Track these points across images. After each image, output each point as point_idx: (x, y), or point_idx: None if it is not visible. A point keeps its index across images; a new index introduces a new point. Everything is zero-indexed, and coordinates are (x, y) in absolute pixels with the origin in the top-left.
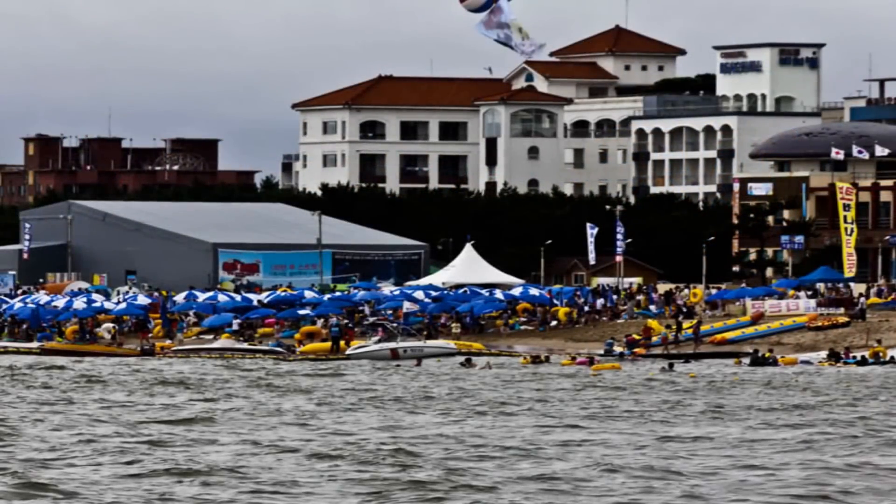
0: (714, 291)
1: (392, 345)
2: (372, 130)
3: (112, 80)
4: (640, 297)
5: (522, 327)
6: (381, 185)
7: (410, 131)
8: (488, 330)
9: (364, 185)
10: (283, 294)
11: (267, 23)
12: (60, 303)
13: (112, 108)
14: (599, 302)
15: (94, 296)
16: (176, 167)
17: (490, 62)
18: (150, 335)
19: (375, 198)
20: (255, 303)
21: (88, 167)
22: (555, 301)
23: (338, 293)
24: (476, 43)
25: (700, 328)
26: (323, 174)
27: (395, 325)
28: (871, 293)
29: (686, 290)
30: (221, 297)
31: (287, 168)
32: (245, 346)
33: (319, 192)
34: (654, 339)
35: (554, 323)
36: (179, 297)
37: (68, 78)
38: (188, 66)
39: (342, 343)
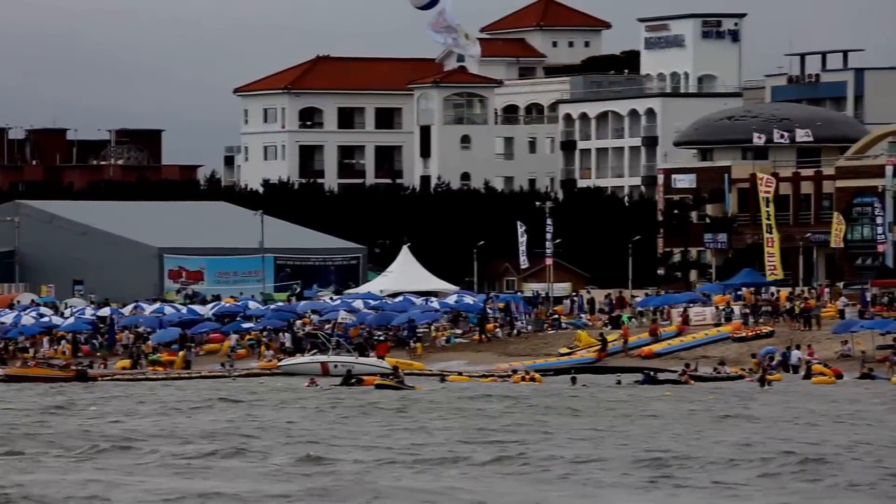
0: (639, 298)
1: (323, 358)
2: (310, 118)
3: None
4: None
5: (458, 340)
6: (319, 180)
7: (347, 118)
8: (424, 343)
9: (303, 180)
10: (227, 306)
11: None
12: (9, 318)
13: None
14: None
15: (43, 309)
16: (121, 161)
17: (427, 43)
18: (97, 353)
19: (314, 195)
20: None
21: (34, 162)
22: (488, 311)
23: (280, 303)
24: (414, 21)
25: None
26: (264, 168)
27: (334, 338)
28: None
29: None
30: (168, 310)
31: (229, 161)
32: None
33: (261, 189)
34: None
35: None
36: (127, 310)
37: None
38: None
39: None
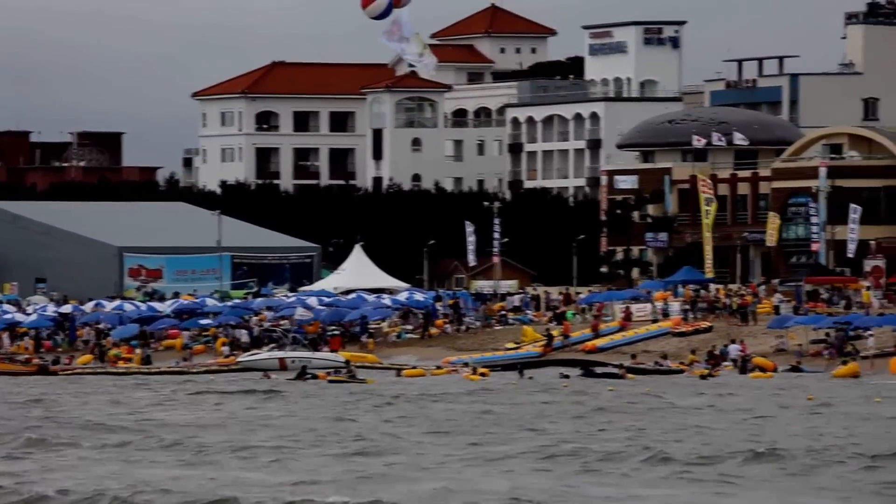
0: (583, 295)
1: (280, 354)
2: (267, 122)
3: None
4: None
5: (408, 336)
6: (275, 181)
7: (302, 122)
8: (377, 339)
9: (260, 181)
10: (186, 302)
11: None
12: None
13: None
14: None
15: (6, 307)
16: (82, 163)
17: (379, 48)
18: (59, 349)
19: (270, 195)
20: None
21: None
22: (437, 307)
23: (236, 300)
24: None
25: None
26: (222, 169)
27: (290, 334)
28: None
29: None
30: (128, 307)
31: (188, 163)
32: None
33: (218, 190)
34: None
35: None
36: (88, 307)
37: None
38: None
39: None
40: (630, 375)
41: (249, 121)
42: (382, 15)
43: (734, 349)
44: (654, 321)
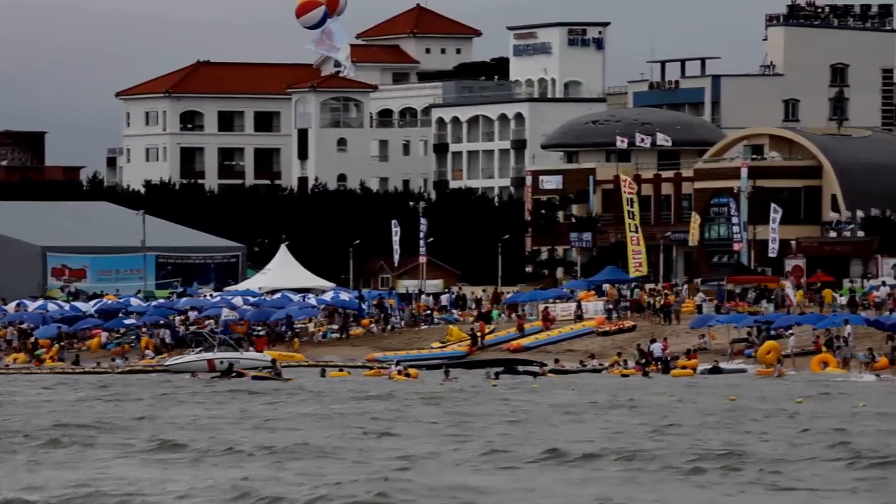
0: (509, 295)
1: (209, 356)
2: (191, 121)
3: None
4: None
5: (334, 335)
6: (200, 180)
7: (227, 122)
8: (303, 339)
9: (184, 181)
10: (109, 302)
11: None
12: None
13: None
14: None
15: None
16: (4, 162)
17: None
18: None
19: (195, 195)
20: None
21: None
22: (363, 307)
23: (161, 300)
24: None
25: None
26: (146, 169)
27: (217, 335)
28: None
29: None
30: (52, 307)
31: (112, 163)
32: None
33: (143, 190)
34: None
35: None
36: (11, 307)
37: None
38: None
39: None
40: (550, 374)
41: (174, 120)
42: (317, 25)
43: (656, 348)
44: (580, 319)
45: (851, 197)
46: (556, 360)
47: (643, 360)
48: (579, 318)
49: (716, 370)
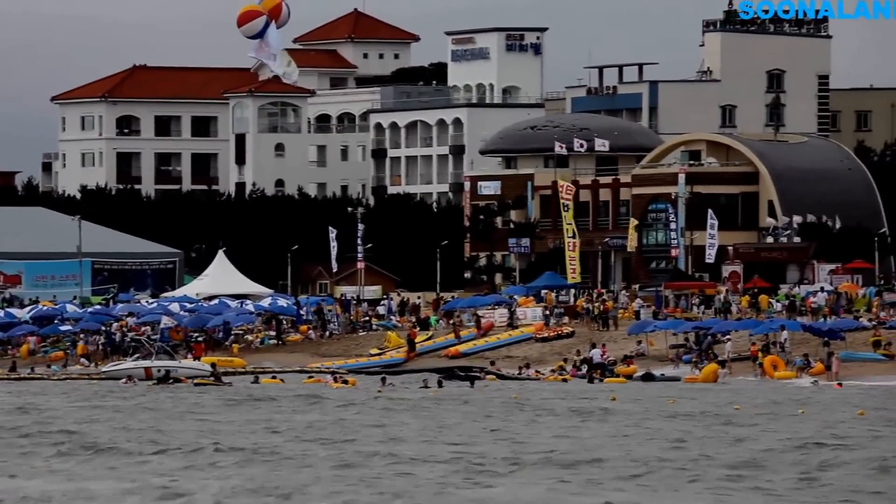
0: (449, 300)
1: (146, 363)
2: (128, 126)
3: None
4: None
5: (272, 342)
6: (136, 186)
7: (164, 126)
8: (240, 345)
9: (121, 186)
10: (45, 308)
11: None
12: None
13: None
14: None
15: None
16: None
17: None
18: None
19: (132, 201)
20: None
21: None
22: (301, 313)
23: (97, 306)
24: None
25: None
26: (82, 174)
27: (155, 343)
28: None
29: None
30: None
31: (47, 168)
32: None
33: (79, 195)
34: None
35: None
36: None
37: None
38: None
39: None
40: (491, 377)
41: (110, 125)
42: (259, 35)
43: (596, 354)
44: (512, 327)
45: (788, 203)
46: (492, 363)
47: (585, 367)
48: (511, 325)
49: (648, 377)
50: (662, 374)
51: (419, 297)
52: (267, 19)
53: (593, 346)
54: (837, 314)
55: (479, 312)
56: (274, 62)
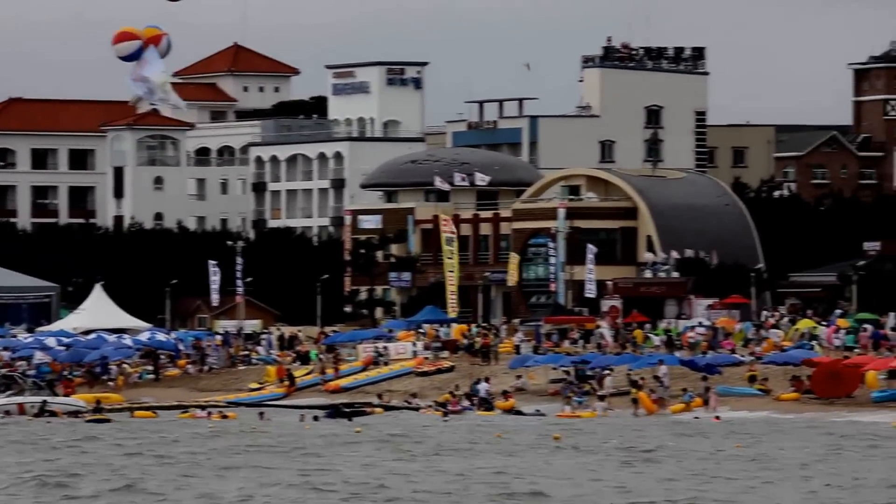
0: (330, 334)
1: (19, 399)
2: (3, 159)
3: None
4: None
5: (150, 376)
6: (12, 219)
7: (41, 159)
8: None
9: None
10: None
11: None
12: None
13: None
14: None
15: None
16: None
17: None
18: None
19: (7, 234)
20: None
21: None
22: (180, 348)
23: None
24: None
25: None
26: None
27: (29, 378)
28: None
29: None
30: None
31: None
32: None
33: None
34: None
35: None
36: None
37: None
38: None
39: None
40: (379, 410)
41: None
42: (132, 56)
43: (483, 388)
44: (386, 363)
45: (666, 238)
46: (380, 396)
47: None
48: (382, 363)
49: (517, 413)
50: (538, 410)
51: (300, 331)
52: (142, 44)
53: (478, 381)
54: (715, 349)
55: (360, 346)
56: (152, 86)
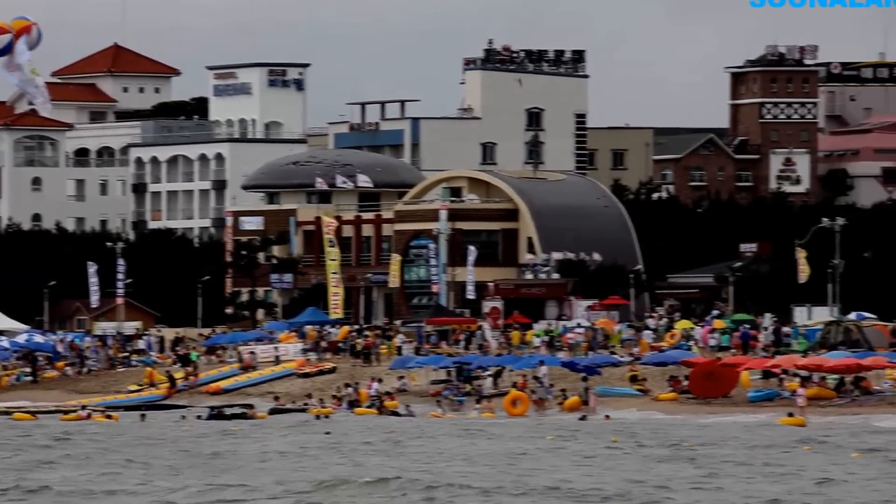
0: (210, 336)
1: None
2: None
3: None
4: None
5: (27, 378)
6: None
7: None
8: None
9: None
10: None
11: None
12: None
13: None
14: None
15: None
16: None
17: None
18: None
19: None
20: None
21: None
22: (58, 350)
23: None
24: None
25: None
26: None
27: None
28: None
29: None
30: None
31: None
32: None
33: None
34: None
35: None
36: None
37: None
38: None
39: None
40: (261, 414)
41: None
42: (3, 51)
43: (374, 388)
44: (277, 362)
45: (546, 239)
46: (276, 398)
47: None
48: (249, 368)
49: (395, 414)
50: (408, 406)
51: (176, 334)
52: (12, 38)
53: (374, 380)
54: (595, 350)
55: (241, 349)
56: (22, 74)
